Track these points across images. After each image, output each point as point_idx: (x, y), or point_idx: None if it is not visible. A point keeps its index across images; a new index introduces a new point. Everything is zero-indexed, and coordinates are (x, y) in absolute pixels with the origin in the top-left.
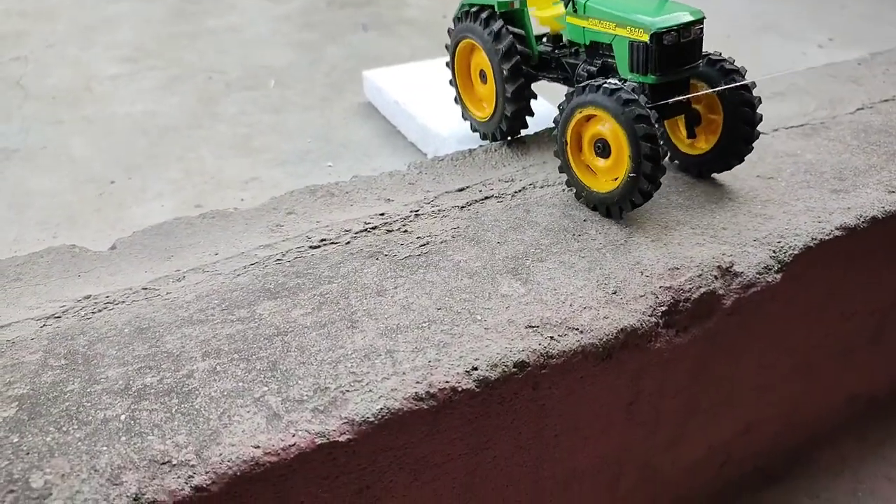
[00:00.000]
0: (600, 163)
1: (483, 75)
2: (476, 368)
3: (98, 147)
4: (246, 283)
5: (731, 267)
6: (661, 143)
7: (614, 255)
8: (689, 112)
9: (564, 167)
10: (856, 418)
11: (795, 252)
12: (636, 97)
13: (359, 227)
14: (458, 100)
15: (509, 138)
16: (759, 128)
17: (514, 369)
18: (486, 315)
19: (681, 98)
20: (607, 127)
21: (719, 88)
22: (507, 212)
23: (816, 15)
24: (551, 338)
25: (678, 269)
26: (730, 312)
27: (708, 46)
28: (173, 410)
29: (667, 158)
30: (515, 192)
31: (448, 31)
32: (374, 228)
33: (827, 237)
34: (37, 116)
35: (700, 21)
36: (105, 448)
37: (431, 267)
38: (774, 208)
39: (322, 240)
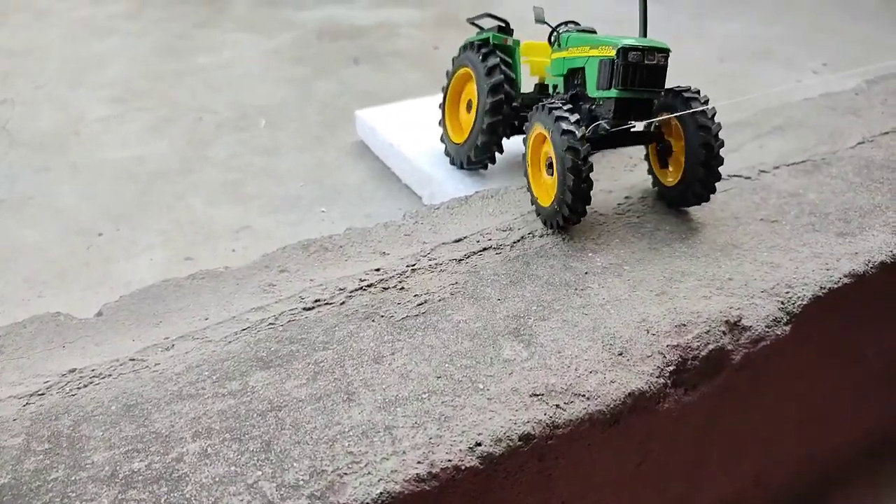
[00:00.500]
0: (547, 178)
1: (470, 106)
2: (479, 444)
3: (86, 196)
4: (237, 350)
5: (739, 321)
6: (587, 159)
7: (618, 311)
8: (660, 143)
9: (527, 184)
10: (868, 462)
11: (804, 303)
12: (567, 114)
13: (354, 284)
14: (442, 122)
15: (477, 166)
16: (759, 165)
17: (520, 442)
18: (489, 383)
19: (636, 123)
20: (550, 148)
21: (676, 115)
22: (507, 264)
23: (810, 40)
24: (557, 406)
25: (685, 325)
26: (739, 367)
27: (701, 71)
28: (162, 500)
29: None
30: (514, 243)
31: (452, 60)
32: (369, 286)
33: (836, 285)
34: (23, 163)
35: (666, 52)
36: None
37: (430, 328)
38: (780, 255)
39: (316, 300)
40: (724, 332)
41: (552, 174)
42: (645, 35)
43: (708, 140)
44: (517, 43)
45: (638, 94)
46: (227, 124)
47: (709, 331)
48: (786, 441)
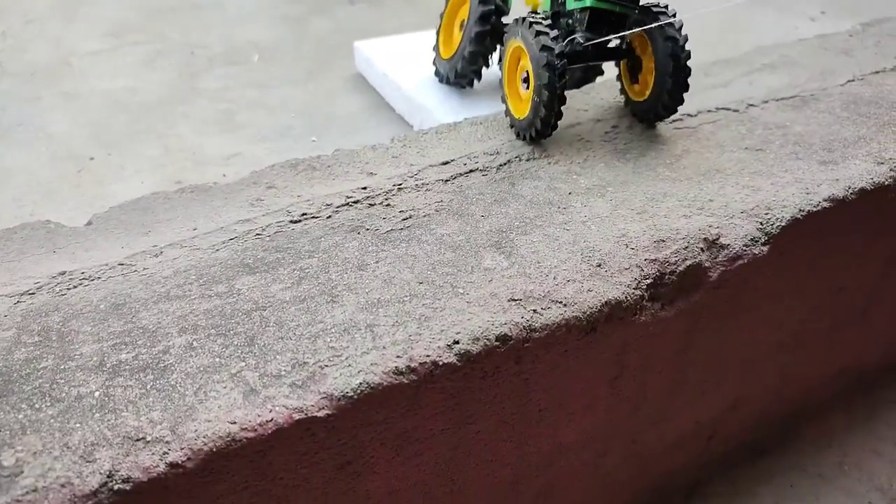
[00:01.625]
0: (523, 92)
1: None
2: (457, 342)
3: (77, 123)
4: (224, 258)
5: (717, 239)
6: (564, 75)
7: (599, 227)
8: (631, 59)
9: (503, 97)
10: (843, 392)
11: (783, 224)
12: (548, 31)
13: (340, 200)
14: (436, 45)
15: (463, 86)
16: (747, 99)
17: (497, 343)
18: (469, 288)
19: (610, 38)
20: (527, 63)
21: (638, 29)
22: (492, 185)
23: None
24: (534, 311)
25: (664, 241)
26: (716, 285)
27: (701, 16)
28: (148, 387)
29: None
30: (501, 166)
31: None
32: (355, 202)
33: (815, 209)
34: (14, 93)
35: None
36: (78, 425)
37: (414, 241)
38: (762, 180)
39: (303, 214)
40: (702, 249)
41: (528, 88)
42: None
43: (676, 51)
44: None
45: (611, 5)
46: (219, 59)
47: (687, 247)
48: (763, 366)
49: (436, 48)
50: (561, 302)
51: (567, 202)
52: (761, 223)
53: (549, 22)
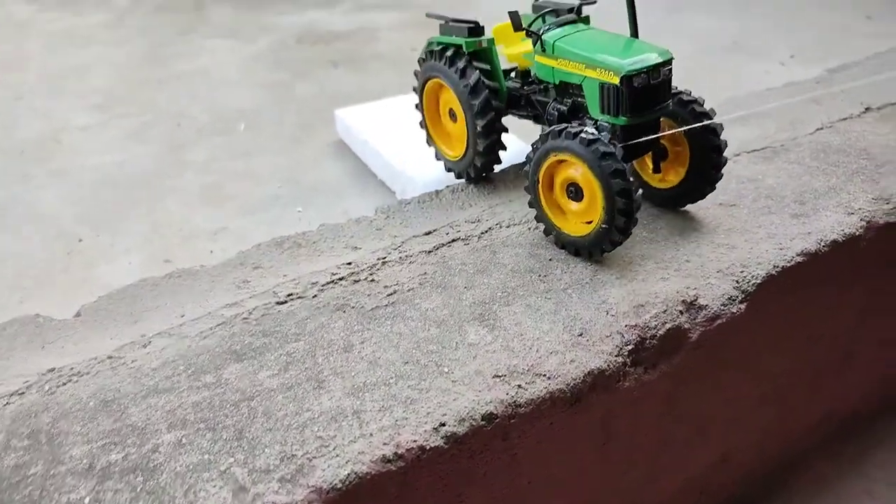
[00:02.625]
0: (573, 206)
1: (453, 114)
2: (444, 424)
3: (66, 202)
4: (212, 345)
5: (695, 300)
6: (637, 195)
7: (580, 295)
8: (656, 148)
9: (535, 205)
10: (830, 438)
11: (758, 281)
12: (613, 150)
13: (326, 278)
14: (430, 141)
15: (483, 175)
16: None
17: (483, 422)
18: (454, 366)
19: (652, 138)
20: (580, 172)
21: (687, 127)
22: (474, 254)
23: (781, 31)
24: (519, 386)
25: (643, 305)
26: (697, 346)
27: (679, 65)
28: (138, 489)
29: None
30: (482, 233)
31: (415, 74)
32: (341, 279)
33: (788, 264)
34: (5, 172)
35: (669, 62)
36: None
37: (399, 317)
38: (737, 237)
39: (289, 295)
40: (680, 312)
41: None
42: (636, 33)
43: (718, 143)
44: (492, 42)
45: (648, 117)
46: (206, 129)
47: (666, 310)
48: (748, 420)
49: (431, 143)
50: (545, 375)
51: (548, 269)
52: (737, 282)
53: (606, 135)
